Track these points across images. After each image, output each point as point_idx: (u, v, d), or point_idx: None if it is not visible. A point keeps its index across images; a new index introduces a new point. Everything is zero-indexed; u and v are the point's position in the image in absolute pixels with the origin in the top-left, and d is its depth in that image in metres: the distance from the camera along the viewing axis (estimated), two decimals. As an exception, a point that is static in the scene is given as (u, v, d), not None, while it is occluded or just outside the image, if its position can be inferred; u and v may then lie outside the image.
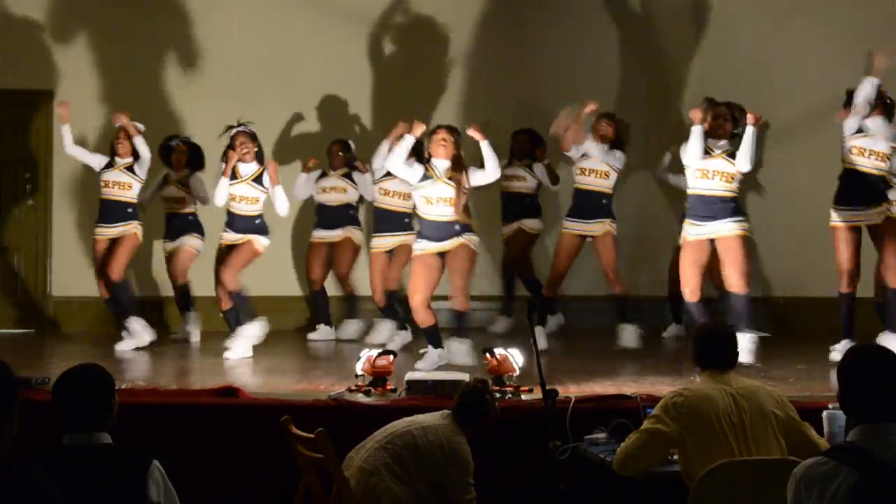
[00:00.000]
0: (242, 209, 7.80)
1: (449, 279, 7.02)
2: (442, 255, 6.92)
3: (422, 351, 6.94)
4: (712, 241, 6.97)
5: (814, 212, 7.85)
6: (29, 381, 5.57)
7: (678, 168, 7.63)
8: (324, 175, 8.67)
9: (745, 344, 6.51)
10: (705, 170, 6.92)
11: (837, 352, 6.93)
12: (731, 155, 6.91)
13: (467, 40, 9.76)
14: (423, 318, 6.88)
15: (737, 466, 3.71)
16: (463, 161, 6.94)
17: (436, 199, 6.89)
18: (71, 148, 8.26)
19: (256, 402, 5.58)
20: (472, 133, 6.93)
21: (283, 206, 7.84)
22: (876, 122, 7.11)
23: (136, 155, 8.13)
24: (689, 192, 7.09)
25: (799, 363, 7.07)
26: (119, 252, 8.11)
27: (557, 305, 8.62)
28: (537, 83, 9.57)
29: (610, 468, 4.29)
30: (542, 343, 7.49)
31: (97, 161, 8.26)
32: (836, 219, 7.20)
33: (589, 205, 7.89)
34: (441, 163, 6.91)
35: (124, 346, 7.83)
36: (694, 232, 6.98)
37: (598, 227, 7.88)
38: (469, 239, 6.90)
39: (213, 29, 9.71)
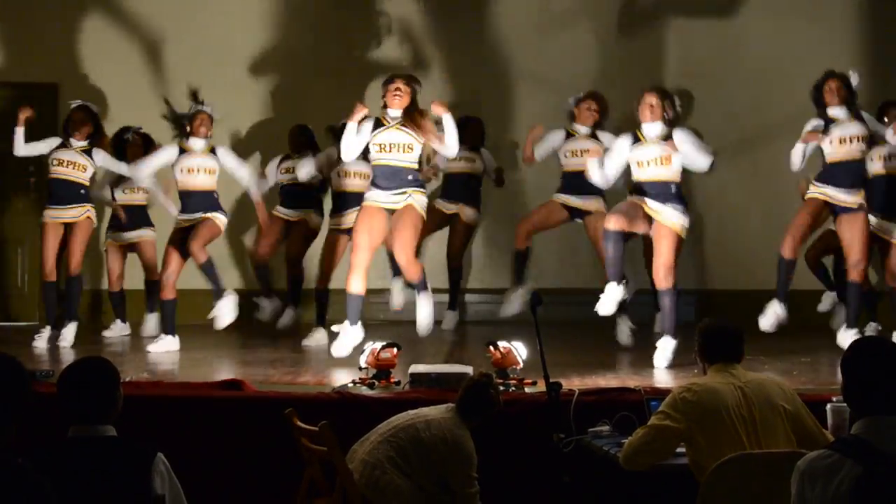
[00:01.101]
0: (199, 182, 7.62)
1: (394, 248, 6.93)
2: (390, 212, 6.84)
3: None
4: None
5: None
6: (34, 374, 5.58)
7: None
8: (286, 158, 8.68)
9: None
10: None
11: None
12: None
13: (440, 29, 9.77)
14: (356, 283, 6.79)
15: (747, 460, 3.71)
16: (422, 110, 6.85)
17: (389, 144, 6.83)
18: (21, 149, 7.98)
19: (260, 394, 5.58)
20: (436, 108, 6.86)
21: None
22: (840, 111, 7.10)
23: (92, 142, 7.95)
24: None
25: (803, 356, 7.07)
26: (76, 243, 7.91)
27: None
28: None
29: (614, 460, 4.30)
30: (514, 308, 7.55)
31: (45, 146, 7.99)
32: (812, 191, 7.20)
33: (580, 182, 7.75)
34: (395, 112, 6.86)
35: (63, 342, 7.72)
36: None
37: (592, 204, 7.83)
38: (417, 200, 6.82)
39: (218, 24, 9.73)
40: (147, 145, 8.47)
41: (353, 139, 6.88)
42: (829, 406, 4.35)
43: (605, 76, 9.44)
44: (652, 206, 6.74)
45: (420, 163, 7.01)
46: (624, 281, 7.04)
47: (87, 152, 7.96)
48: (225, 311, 7.63)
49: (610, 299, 6.76)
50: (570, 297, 8.40)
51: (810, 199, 7.18)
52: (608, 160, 6.99)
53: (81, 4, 9.83)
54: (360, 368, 5.84)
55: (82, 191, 7.95)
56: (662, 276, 6.72)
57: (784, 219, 9.40)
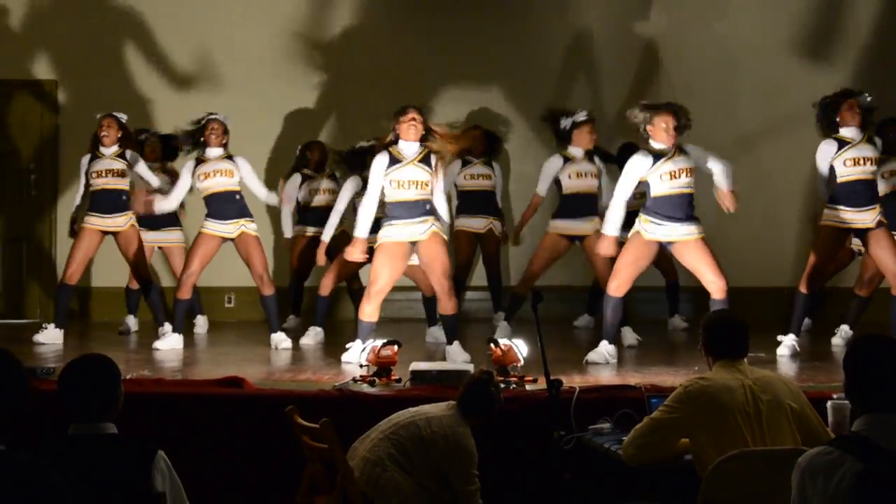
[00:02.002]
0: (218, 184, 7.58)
1: (430, 277, 6.85)
2: (412, 243, 6.72)
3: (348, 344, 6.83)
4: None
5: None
6: (34, 372, 5.59)
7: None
8: (309, 178, 8.75)
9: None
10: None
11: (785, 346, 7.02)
12: None
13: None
14: (370, 312, 6.74)
15: (750, 456, 3.70)
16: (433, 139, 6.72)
17: (408, 182, 6.65)
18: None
19: (261, 392, 5.58)
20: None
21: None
22: (855, 132, 7.02)
23: (122, 145, 7.94)
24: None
25: (802, 354, 7.08)
26: (135, 252, 7.96)
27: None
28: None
29: (614, 458, 4.29)
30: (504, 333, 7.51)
31: (84, 167, 7.94)
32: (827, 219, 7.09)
33: (579, 204, 7.79)
34: (410, 146, 6.68)
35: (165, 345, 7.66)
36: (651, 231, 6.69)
37: (588, 227, 7.74)
38: (439, 227, 6.71)
39: (220, 21, 9.73)
40: (165, 146, 8.59)
41: (371, 214, 6.74)
42: (829, 403, 4.34)
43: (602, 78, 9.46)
44: (669, 232, 6.60)
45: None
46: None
47: (121, 156, 7.95)
48: (283, 342, 7.58)
49: (601, 355, 6.67)
50: (571, 295, 8.41)
51: (825, 229, 7.07)
52: (626, 186, 6.68)
53: (82, 1, 9.83)
54: (361, 366, 5.84)
55: (124, 197, 7.97)
56: (721, 286, 6.57)
57: (785, 217, 9.48)
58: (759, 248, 9.55)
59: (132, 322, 8.64)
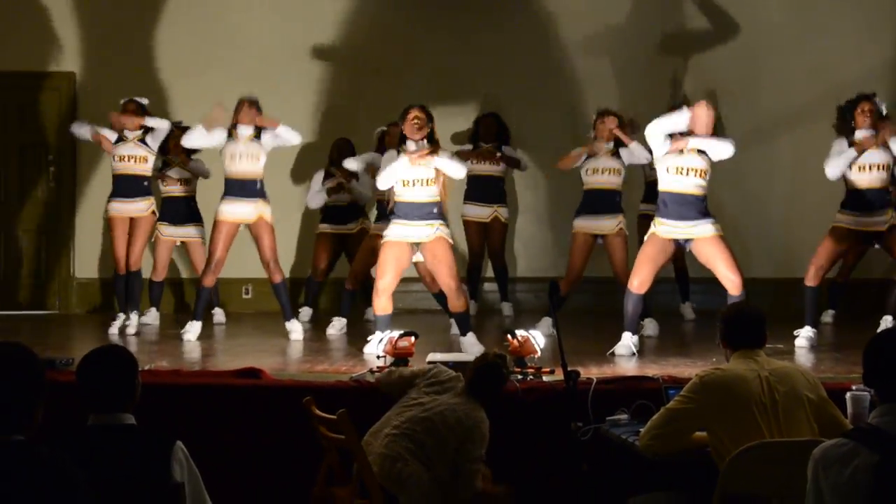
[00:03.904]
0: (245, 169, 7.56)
1: (437, 278, 6.97)
2: (416, 244, 6.83)
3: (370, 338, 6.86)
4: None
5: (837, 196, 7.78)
6: (53, 363, 5.60)
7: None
8: (329, 175, 8.78)
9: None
10: (680, 167, 6.68)
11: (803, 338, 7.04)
12: None
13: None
14: (384, 304, 6.82)
15: (768, 447, 3.69)
16: (437, 140, 6.80)
17: (412, 180, 6.77)
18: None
19: (279, 383, 5.60)
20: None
21: (295, 137, 7.68)
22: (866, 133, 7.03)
23: (145, 130, 8.02)
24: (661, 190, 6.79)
25: (822, 345, 7.06)
26: (138, 237, 8.07)
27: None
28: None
29: (632, 449, 4.29)
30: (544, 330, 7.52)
31: (111, 135, 8.05)
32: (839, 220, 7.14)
33: (600, 201, 7.81)
34: (414, 144, 6.76)
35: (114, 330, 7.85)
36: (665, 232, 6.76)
37: (609, 225, 7.77)
38: (445, 232, 6.81)
39: (236, 12, 9.74)
40: None
41: (397, 172, 6.77)
42: (848, 395, 4.33)
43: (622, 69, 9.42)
44: (685, 229, 6.67)
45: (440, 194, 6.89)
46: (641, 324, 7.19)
47: (143, 141, 8.03)
48: (296, 331, 7.62)
49: (625, 346, 6.71)
50: (588, 286, 8.38)
51: (835, 228, 7.12)
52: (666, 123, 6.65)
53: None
54: (378, 357, 5.85)
55: (145, 182, 8.09)
56: (737, 282, 6.62)
57: (802, 208, 9.44)
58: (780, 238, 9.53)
59: (153, 315, 8.66)
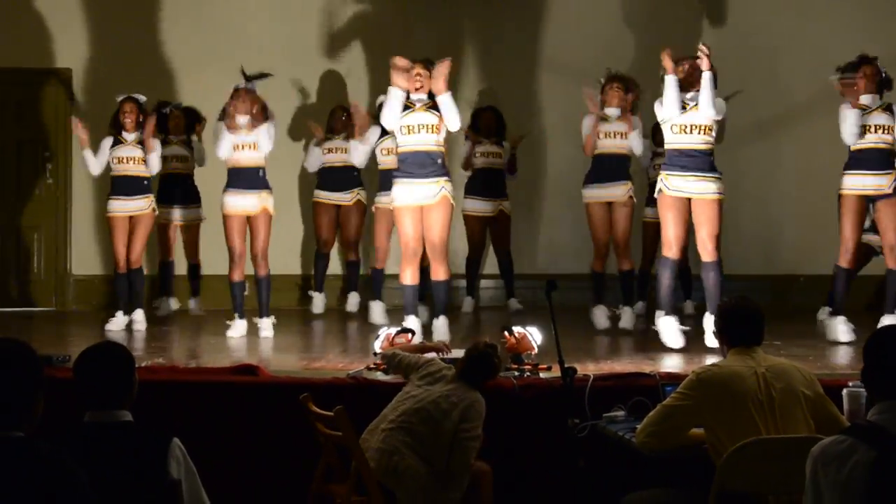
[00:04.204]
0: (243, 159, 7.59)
1: (426, 238, 6.98)
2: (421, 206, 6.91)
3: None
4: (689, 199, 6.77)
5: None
6: (50, 359, 5.61)
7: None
8: (327, 139, 8.84)
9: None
10: (684, 125, 6.71)
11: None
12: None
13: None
14: (413, 274, 6.98)
15: (764, 444, 3.69)
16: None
17: (417, 125, 6.88)
18: (96, 167, 8.03)
19: (276, 380, 5.60)
20: (436, 86, 6.88)
21: (266, 144, 7.64)
22: (869, 99, 7.03)
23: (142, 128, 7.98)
24: (667, 147, 6.86)
25: (820, 341, 7.06)
26: (139, 235, 8.05)
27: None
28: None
29: (629, 445, 4.29)
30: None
31: (106, 150, 7.99)
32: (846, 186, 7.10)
33: (610, 166, 7.81)
34: (419, 96, 6.92)
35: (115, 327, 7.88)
36: (674, 186, 6.75)
37: (618, 192, 7.80)
38: (449, 190, 6.91)
39: (235, 9, 9.73)
40: (190, 118, 8.78)
41: (398, 105, 6.87)
42: (845, 391, 4.32)
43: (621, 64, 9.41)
44: (694, 185, 6.68)
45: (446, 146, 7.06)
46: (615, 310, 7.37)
47: (142, 143, 8.00)
48: (266, 329, 7.60)
49: (671, 331, 6.69)
50: (586, 283, 8.37)
51: (847, 199, 7.08)
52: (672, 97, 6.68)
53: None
54: (375, 354, 5.85)
55: (145, 182, 8.07)
56: (711, 247, 6.66)
57: (802, 204, 9.44)
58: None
59: (172, 303, 8.81)
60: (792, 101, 9.58)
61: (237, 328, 7.55)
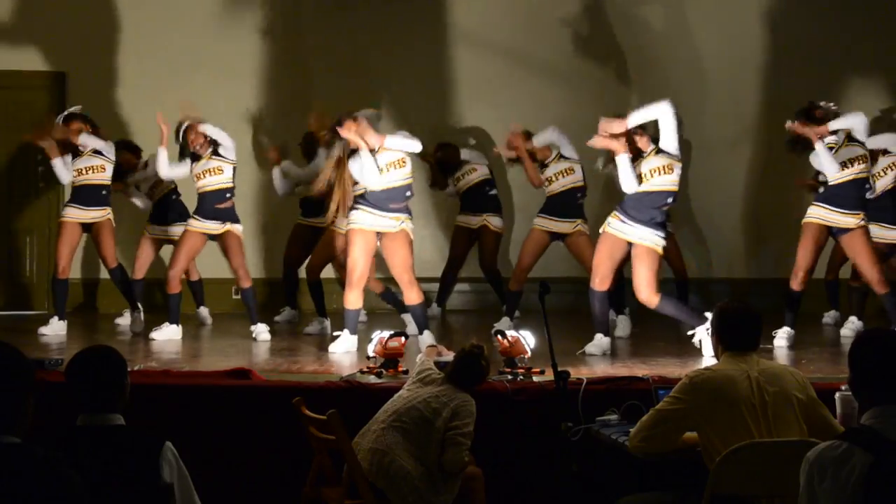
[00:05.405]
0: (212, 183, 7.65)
1: (394, 270, 7.04)
2: (380, 234, 6.93)
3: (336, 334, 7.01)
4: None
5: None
6: (42, 363, 5.59)
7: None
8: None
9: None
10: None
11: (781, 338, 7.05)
12: None
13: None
14: (355, 299, 6.95)
15: (757, 448, 3.69)
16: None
17: (385, 164, 6.86)
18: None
19: (269, 383, 5.59)
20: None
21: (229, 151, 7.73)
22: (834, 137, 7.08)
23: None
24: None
25: (812, 345, 7.07)
26: (106, 241, 8.07)
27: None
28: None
29: (622, 449, 4.29)
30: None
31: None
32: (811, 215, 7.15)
33: (562, 204, 7.99)
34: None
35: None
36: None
37: (569, 227, 7.96)
38: (409, 227, 6.94)
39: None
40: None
41: (372, 161, 6.83)
42: (837, 395, 4.33)
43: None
44: (633, 232, 6.65)
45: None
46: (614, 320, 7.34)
47: (97, 151, 7.99)
48: (263, 333, 7.64)
49: (598, 347, 6.75)
50: (578, 287, 8.38)
51: (808, 226, 7.14)
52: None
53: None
54: (368, 357, 5.85)
55: (104, 192, 8.07)
56: (645, 296, 6.60)
57: (770, 212, 9.54)
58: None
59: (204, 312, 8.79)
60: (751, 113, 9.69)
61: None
